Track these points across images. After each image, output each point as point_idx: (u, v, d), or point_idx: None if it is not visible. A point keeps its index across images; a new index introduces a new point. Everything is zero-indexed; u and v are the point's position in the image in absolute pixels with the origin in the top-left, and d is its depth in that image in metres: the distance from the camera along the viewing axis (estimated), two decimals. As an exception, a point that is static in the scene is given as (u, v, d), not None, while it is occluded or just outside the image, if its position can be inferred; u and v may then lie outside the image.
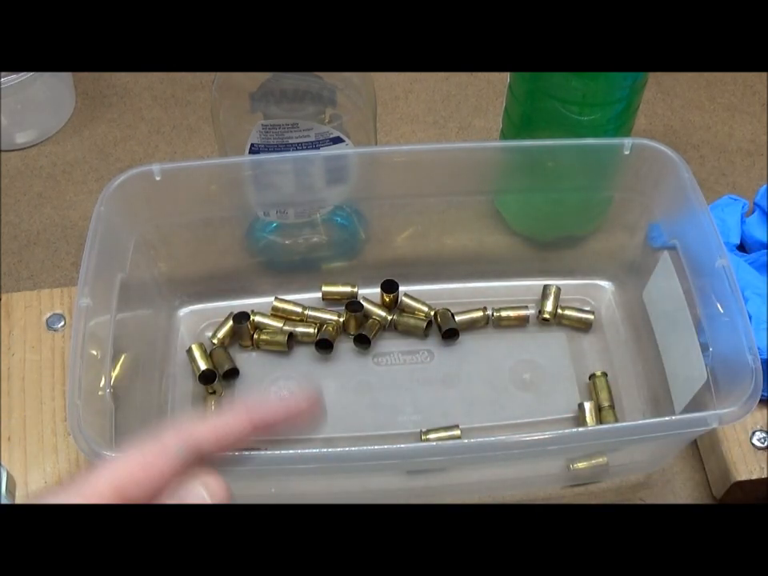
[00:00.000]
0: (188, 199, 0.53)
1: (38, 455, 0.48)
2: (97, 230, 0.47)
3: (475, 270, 0.60)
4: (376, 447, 0.42)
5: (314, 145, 0.53)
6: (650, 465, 0.53)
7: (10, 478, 0.45)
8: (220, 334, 0.57)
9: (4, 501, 0.43)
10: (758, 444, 0.50)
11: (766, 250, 0.56)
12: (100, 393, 0.45)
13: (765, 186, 0.60)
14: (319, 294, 0.59)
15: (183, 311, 0.59)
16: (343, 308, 0.57)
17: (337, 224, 0.60)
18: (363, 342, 0.57)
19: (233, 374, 0.56)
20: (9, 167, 0.67)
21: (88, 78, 0.73)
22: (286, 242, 0.59)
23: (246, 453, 0.44)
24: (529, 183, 0.55)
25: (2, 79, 0.62)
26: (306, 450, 0.42)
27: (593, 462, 0.51)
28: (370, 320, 0.57)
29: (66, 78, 0.70)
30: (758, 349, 0.43)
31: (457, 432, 0.53)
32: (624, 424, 0.51)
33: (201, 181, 0.52)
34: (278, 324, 0.57)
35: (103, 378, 0.45)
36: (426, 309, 0.58)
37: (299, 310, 0.58)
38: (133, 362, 0.51)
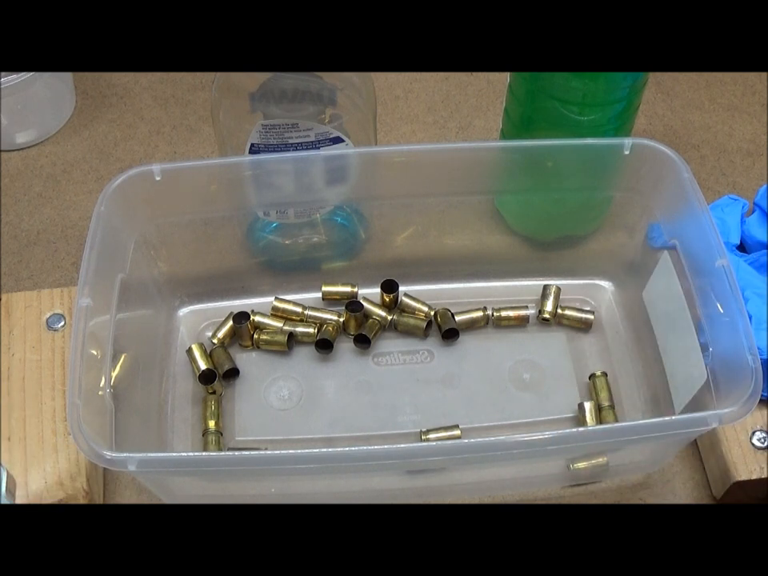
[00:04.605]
0: (188, 199, 0.53)
1: (38, 455, 0.48)
2: (97, 230, 0.47)
3: (475, 270, 0.60)
4: (376, 447, 0.42)
5: (314, 145, 0.53)
6: (650, 465, 0.53)
7: (10, 477, 0.45)
8: (220, 334, 0.57)
9: (4, 501, 0.43)
10: (758, 444, 0.50)
11: (765, 250, 0.56)
12: (100, 393, 0.45)
13: (765, 185, 0.60)
14: (319, 294, 0.59)
15: (183, 311, 0.59)
16: (343, 308, 0.57)
17: (337, 224, 0.60)
18: (363, 342, 0.57)
19: (233, 373, 0.56)
20: (9, 167, 0.67)
21: (88, 78, 0.73)
22: (286, 242, 0.59)
23: (246, 453, 0.45)
24: (529, 183, 0.55)
25: (2, 79, 0.62)
26: (306, 450, 0.42)
27: (593, 462, 0.51)
28: (370, 320, 0.57)
29: (66, 77, 0.70)
30: (758, 349, 0.43)
31: (457, 432, 0.53)
32: (624, 424, 0.51)
33: (201, 181, 0.52)
34: (278, 324, 0.57)
35: (103, 378, 0.45)
36: (426, 309, 0.58)
37: (299, 309, 0.58)
38: (133, 361, 0.51)
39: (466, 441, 0.49)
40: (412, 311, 0.58)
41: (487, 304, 0.58)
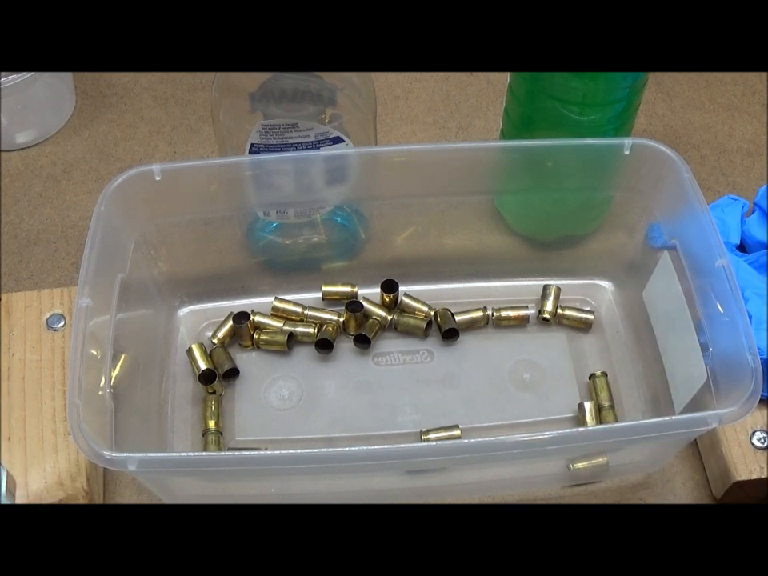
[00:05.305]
0: (188, 199, 0.53)
1: (38, 455, 0.48)
2: (97, 230, 0.47)
3: (475, 270, 0.60)
4: (376, 447, 0.42)
5: (314, 145, 0.53)
6: (650, 465, 0.53)
7: (10, 477, 0.45)
8: (220, 334, 0.57)
9: (4, 501, 0.43)
10: (758, 444, 0.50)
11: (765, 250, 0.56)
12: (100, 393, 0.45)
13: (765, 185, 0.60)
14: (319, 294, 0.59)
15: (183, 311, 0.59)
16: (343, 308, 0.57)
17: (337, 224, 0.60)
18: (363, 342, 0.57)
19: (233, 373, 0.56)
20: (9, 167, 0.67)
21: (88, 78, 0.73)
22: (286, 242, 0.59)
23: (246, 453, 0.44)
24: (529, 183, 0.55)
25: (2, 79, 0.62)
26: (306, 450, 0.42)
27: (593, 461, 0.51)
28: (370, 320, 0.57)
29: (66, 77, 0.70)
30: (758, 349, 0.43)
31: (457, 432, 0.53)
32: (624, 424, 0.51)
33: (201, 181, 0.52)
34: (278, 324, 0.57)
35: (103, 378, 0.45)
36: (426, 309, 0.58)
37: (299, 309, 0.58)
38: (133, 361, 0.51)
39: (466, 441, 0.49)
40: (412, 311, 0.58)
41: (487, 304, 0.58)
